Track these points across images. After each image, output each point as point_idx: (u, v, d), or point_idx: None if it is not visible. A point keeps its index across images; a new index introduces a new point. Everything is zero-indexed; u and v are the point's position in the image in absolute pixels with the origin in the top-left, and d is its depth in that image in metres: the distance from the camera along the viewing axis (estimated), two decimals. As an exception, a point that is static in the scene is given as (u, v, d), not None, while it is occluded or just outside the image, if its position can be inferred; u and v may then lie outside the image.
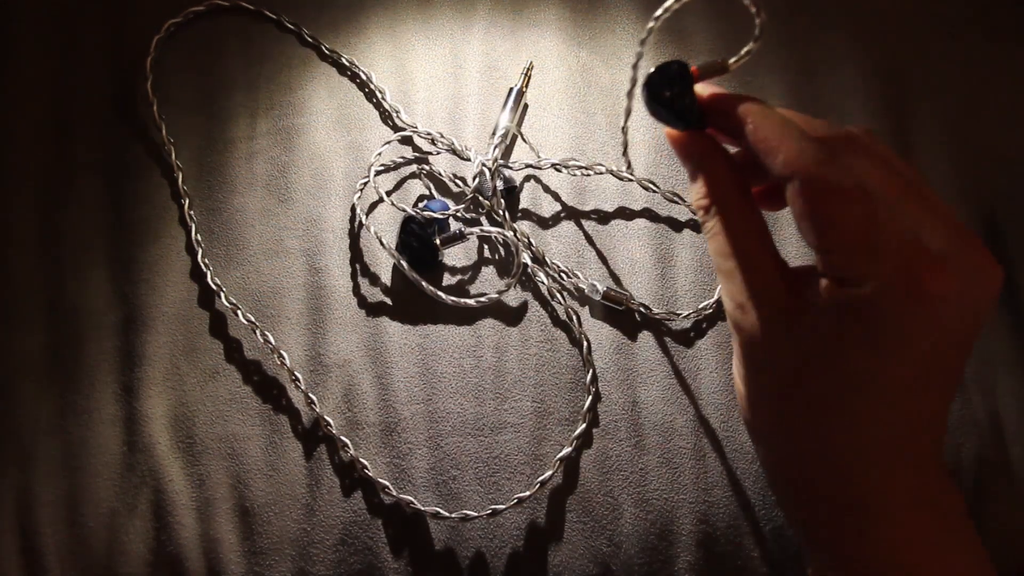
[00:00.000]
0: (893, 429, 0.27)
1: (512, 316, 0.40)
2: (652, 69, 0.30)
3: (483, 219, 0.41)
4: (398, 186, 0.42)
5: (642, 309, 0.39)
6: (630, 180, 0.41)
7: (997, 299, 0.27)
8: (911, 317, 0.26)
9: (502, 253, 0.41)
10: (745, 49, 0.30)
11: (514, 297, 0.40)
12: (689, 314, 0.39)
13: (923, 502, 0.27)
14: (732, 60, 0.30)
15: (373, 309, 0.40)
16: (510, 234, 0.39)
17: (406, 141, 0.42)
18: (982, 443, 0.37)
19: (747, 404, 0.30)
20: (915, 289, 0.25)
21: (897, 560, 0.27)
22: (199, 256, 0.40)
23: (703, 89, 0.30)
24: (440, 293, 0.39)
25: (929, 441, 0.28)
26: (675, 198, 0.40)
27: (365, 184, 0.41)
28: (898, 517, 0.27)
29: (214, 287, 0.40)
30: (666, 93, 0.30)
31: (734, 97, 0.29)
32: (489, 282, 0.40)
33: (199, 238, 0.41)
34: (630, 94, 0.31)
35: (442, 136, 0.41)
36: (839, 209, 0.26)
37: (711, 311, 0.39)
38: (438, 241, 0.39)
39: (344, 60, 0.43)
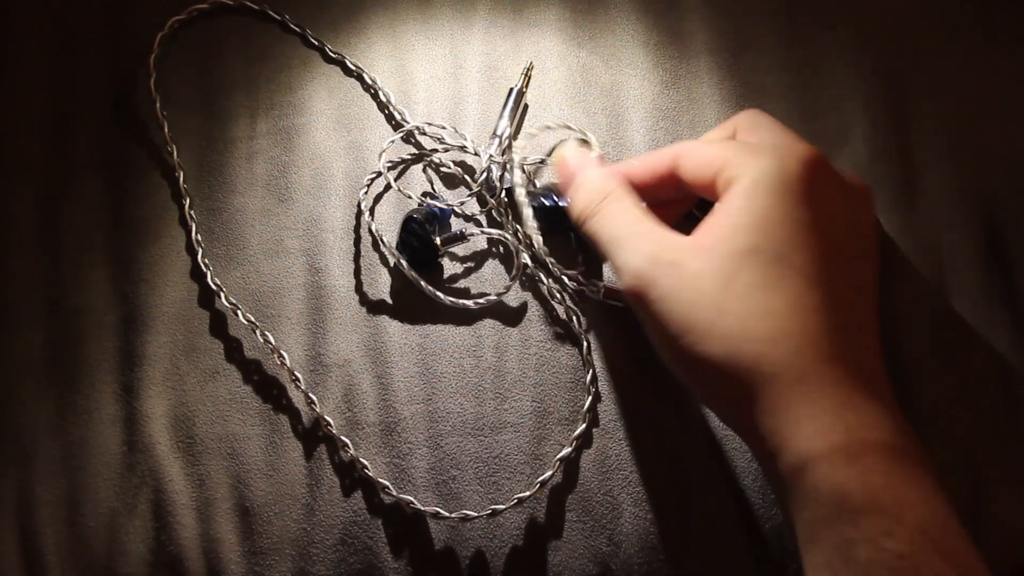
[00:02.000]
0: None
1: (512, 316, 0.40)
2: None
3: (483, 218, 0.41)
4: (402, 173, 0.42)
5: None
6: None
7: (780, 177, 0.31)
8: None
9: (503, 253, 0.41)
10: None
11: (514, 297, 0.40)
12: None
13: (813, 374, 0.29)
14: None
15: (373, 309, 0.40)
16: (510, 235, 0.39)
17: (409, 139, 0.42)
18: (982, 443, 0.37)
19: (690, 335, 0.31)
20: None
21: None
22: (199, 256, 0.40)
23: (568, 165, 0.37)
24: (439, 294, 0.39)
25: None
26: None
27: (372, 180, 0.41)
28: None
29: (214, 287, 0.40)
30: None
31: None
32: (490, 282, 0.40)
33: (199, 238, 0.41)
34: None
35: (456, 130, 0.41)
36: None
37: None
38: (438, 241, 0.39)
39: (349, 63, 0.43)
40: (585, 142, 0.39)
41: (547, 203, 0.39)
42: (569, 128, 0.39)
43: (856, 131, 0.41)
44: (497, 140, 0.40)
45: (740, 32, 0.43)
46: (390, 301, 0.40)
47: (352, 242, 0.41)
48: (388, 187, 0.41)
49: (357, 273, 0.40)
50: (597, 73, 0.43)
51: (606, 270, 0.40)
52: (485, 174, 0.40)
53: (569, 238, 0.40)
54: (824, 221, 0.31)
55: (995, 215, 0.40)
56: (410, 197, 0.40)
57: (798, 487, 0.28)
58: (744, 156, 0.32)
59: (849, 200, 0.33)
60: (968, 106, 0.42)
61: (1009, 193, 0.40)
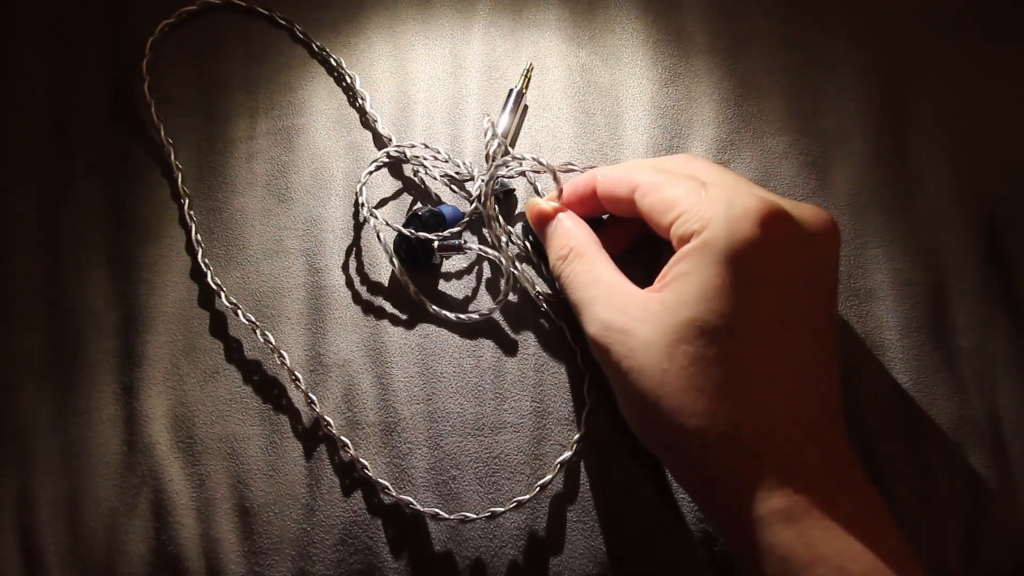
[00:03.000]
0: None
1: (511, 316, 0.40)
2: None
3: (483, 219, 0.41)
4: (398, 177, 0.42)
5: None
6: None
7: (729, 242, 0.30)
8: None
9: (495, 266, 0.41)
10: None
11: (514, 297, 0.40)
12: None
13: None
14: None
15: (373, 309, 0.40)
16: (504, 260, 0.38)
17: (400, 157, 0.42)
18: (982, 443, 0.37)
19: (668, 410, 0.30)
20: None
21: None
22: (199, 256, 0.40)
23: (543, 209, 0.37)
24: (432, 306, 0.39)
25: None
26: None
27: (371, 172, 0.41)
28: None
29: (214, 287, 0.40)
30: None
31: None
32: (491, 285, 0.40)
33: (199, 238, 0.41)
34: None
35: (426, 145, 0.41)
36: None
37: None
38: (436, 244, 0.39)
39: (332, 60, 0.43)
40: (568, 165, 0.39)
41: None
42: (539, 162, 0.37)
43: (855, 130, 0.41)
44: (498, 140, 0.40)
45: (740, 32, 0.43)
46: (390, 301, 0.40)
47: (352, 241, 0.41)
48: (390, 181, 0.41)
49: (358, 272, 0.40)
50: (597, 73, 0.43)
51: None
52: (478, 186, 0.40)
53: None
54: (777, 283, 0.30)
55: (995, 215, 0.40)
56: (418, 168, 0.40)
57: (746, 548, 0.29)
58: (700, 209, 0.31)
59: (808, 251, 0.31)
60: (968, 106, 0.42)
61: (1009, 193, 0.40)
